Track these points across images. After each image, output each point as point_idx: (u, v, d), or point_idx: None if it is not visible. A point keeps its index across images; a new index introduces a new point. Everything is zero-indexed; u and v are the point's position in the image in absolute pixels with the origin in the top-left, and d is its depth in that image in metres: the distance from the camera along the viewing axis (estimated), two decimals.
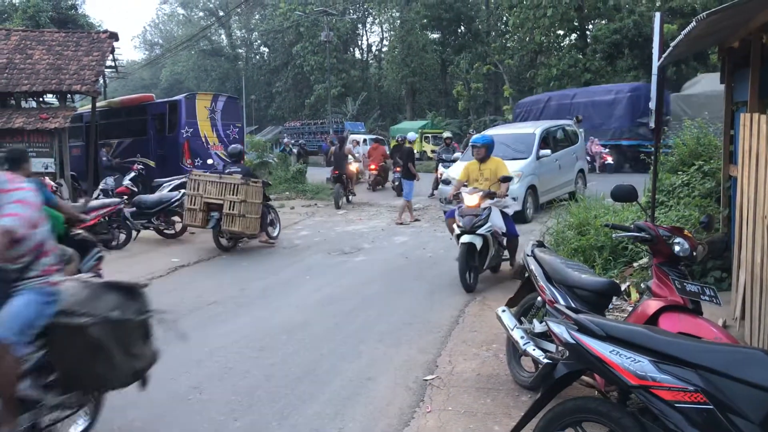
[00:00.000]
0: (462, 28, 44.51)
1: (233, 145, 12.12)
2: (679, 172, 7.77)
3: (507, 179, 7.58)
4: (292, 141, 30.10)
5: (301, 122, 44.26)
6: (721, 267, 6.08)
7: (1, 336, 3.12)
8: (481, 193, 7.40)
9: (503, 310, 4.43)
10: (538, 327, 4.19)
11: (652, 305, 3.49)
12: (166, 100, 18.39)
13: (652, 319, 3.42)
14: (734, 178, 5.59)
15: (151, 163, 16.59)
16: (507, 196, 7.73)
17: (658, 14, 5.92)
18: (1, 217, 3.12)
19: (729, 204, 6.19)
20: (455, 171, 11.28)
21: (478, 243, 7.10)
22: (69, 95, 16.06)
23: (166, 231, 11.23)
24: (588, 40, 33.10)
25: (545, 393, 2.84)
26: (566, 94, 25.73)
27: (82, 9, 33.22)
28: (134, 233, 10.64)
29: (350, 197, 16.62)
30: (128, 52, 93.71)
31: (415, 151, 15.87)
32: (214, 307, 6.89)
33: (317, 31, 45.44)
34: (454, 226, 7.43)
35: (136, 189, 13.39)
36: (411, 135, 16.67)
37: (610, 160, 21.50)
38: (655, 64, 5.57)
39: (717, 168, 6.97)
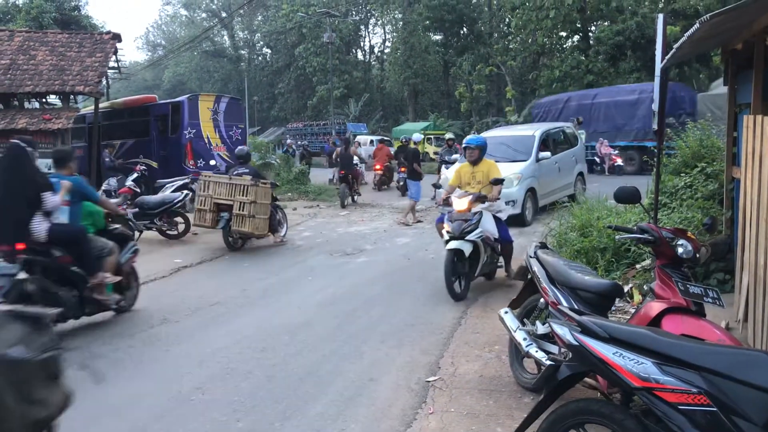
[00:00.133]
0: (464, 29, 44.51)
1: (240, 147, 12.17)
2: (682, 174, 7.76)
3: (499, 181, 7.30)
4: (296, 142, 30.07)
5: (304, 123, 44.33)
6: (724, 269, 6.08)
7: None
8: (470, 197, 7.09)
9: (506, 312, 4.42)
10: (540, 329, 4.18)
11: (655, 307, 3.48)
12: (168, 101, 18.42)
13: (655, 321, 3.41)
14: (737, 180, 5.58)
15: (154, 164, 16.62)
16: (499, 199, 7.46)
17: (661, 16, 5.89)
18: None
19: (732, 206, 6.18)
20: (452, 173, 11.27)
21: (467, 249, 6.79)
22: (72, 96, 16.12)
23: (168, 232, 11.24)
24: (591, 42, 33.08)
25: (548, 395, 2.84)
26: (587, 94, 25.35)
27: (85, 10, 33.34)
28: (137, 234, 10.65)
29: (356, 197, 16.81)
30: (131, 53, 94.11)
31: (419, 152, 15.95)
32: (217, 307, 6.90)
33: (320, 32, 45.49)
34: (443, 231, 7.12)
35: (138, 190, 13.40)
36: (416, 136, 16.71)
37: (619, 161, 21.37)
38: (658, 65, 5.55)
39: (720, 170, 6.96)
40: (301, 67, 50.94)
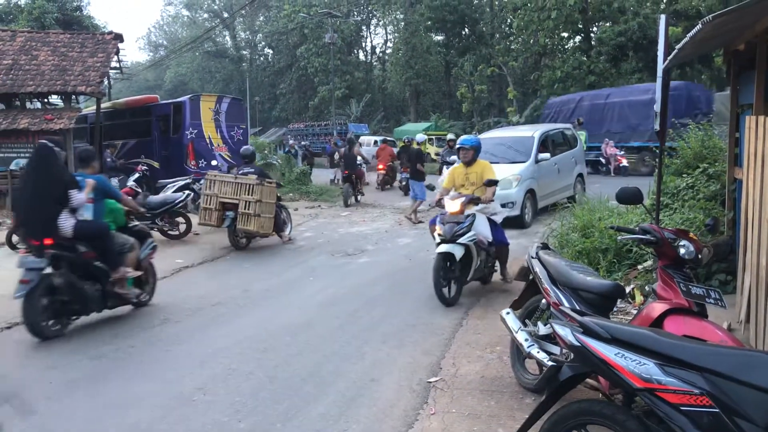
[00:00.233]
0: (466, 30, 44.53)
1: (246, 146, 12.23)
2: (684, 175, 7.75)
3: (493, 183, 7.08)
4: (298, 143, 30.04)
5: (305, 124, 44.34)
6: (725, 270, 6.07)
7: None
8: (463, 199, 6.86)
9: (507, 313, 4.42)
10: (542, 329, 4.19)
11: (657, 308, 3.48)
12: (170, 101, 18.44)
13: (657, 322, 3.41)
14: (739, 180, 5.58)
15: (156, 164, 16.64)
16: (493, 201, 7.21)
17: (663, 17, 5.89)
18: None
19: (734, 207, 6.17)
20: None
21: (458, 253, 6.56)
22: (74, 96, 16.15)
23: (170, 232, 11.25)
24: (592, 43, 33.07)
25: (550, 395, 2.83)
26: (600, 94, 25.03)
27: (87, 10, 33.38)
28: None
29: (359, 197, 16.94)
30: (133, 53, 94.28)
31: (423, 152, 16.01)
32: (218, 308, 6.90)
33: (321, 32, 45.55)
34: (435, 234, 6.92)
35: (140, 190, 13.41)
36: (420, 136, 16.75)
37: (625, 162, 21.20)
38: (660, 66, 5.55)
39: (722, 171, 6.96)
40: (303, 67, 50.98)
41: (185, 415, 4.17)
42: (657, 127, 5.84)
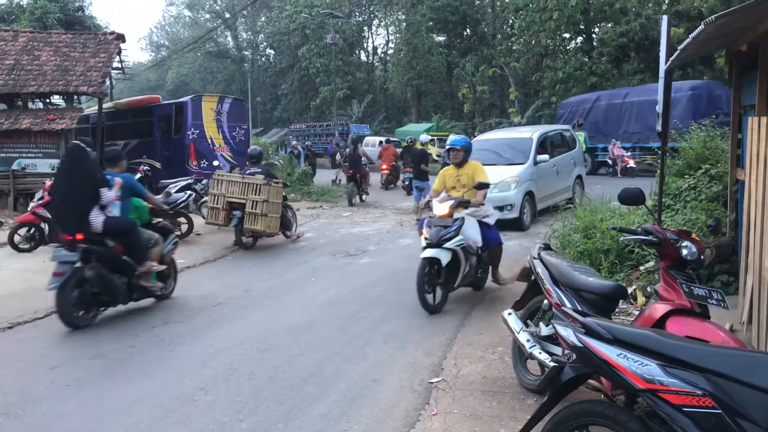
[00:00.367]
0: (468, 30, 44.49)
1: (253, 147, 12.33)
2: (686, 176, 7.74)
3: (484, 186, 6.76)
4: (301, 143, 29.96)
5: (307, 124, 44.35)
6: (728, 271, 6.06)
7: None
8: (452, 202, 6.59)
9: (509, 313, 4.41)
10: (544, 330, 4.18)
11: (660, 309, 3.48)
12: (172, 101, 18.44)
13: (660, 323, 3.40)
14: (741, 181, 5.57)
15: (157, 165, 16.64)
16: (483, 204, 6.89)
17: (665, 17, 5.88)
18: None
19: (736, 208, 6.17)
20: None
21: (444, 258, 6.27)
22: (76, 96, 16.17)
23: None
24: (594, 44, 33.04)
25: (552, 396, 2.83)
26: (617, 93, 24.47)
27: (89, 10, 33.41)
28: None
29: (364, 196, 17.06)
30: (135, 53, 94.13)
31: (428, 153, 16.12)
32: (219, 308, 6.90)
33: (323, 33, 45.58)
34: (422, 238, 6.65)
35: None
36: (423, 137, 16.80)
37: (632, 163, 21.00)
38: (662, 67, 5.54)
39: (724, 172, 6.95)
40: (305, 68, 51.02)
41: (186, 415, 4.17)
42: (659, 128, 5.83)
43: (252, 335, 5.86)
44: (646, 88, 23.55)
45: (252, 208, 9.75)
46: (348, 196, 16.56)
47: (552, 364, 3.62)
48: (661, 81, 5.60)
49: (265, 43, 64.63)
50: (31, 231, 10.17)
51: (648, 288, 5.62)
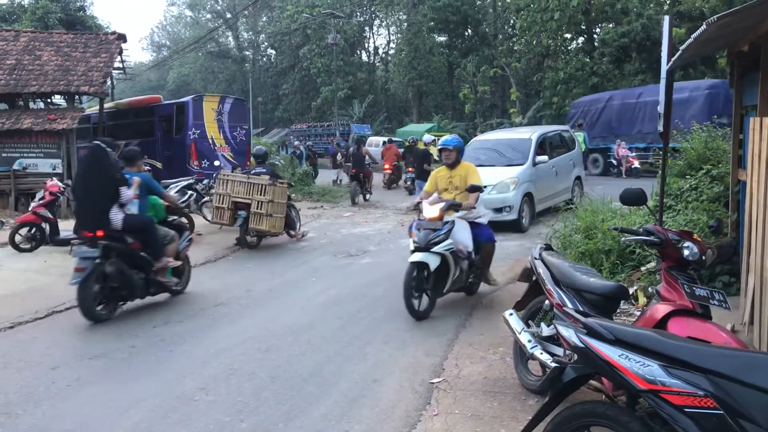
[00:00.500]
0: (469, 31, 44.49)
1: (258, 147, 12.39)
2: (687, 176, 7.73)
3: (476, 189, 6.53)
4: (304, 143, 29.90)
5: (308, 124, 44.33)
6: (729, 271, 6.06)
7: None
8: (443, 204, 6.36)
9: (510, 314, 4.40)
10: (545, 330, 4.17)
11: (661, 309, 3.47)
12: (173, 101, 18.45)
13: (661, 324, 3.40)
14: (743, 182, 5.56)
15: (158, 165, 16.64)
16: (475, 208, 6.66)
17: (666, 18, 5.87)
18: None
19: (737, 208, 6.16)
20: None
21: (433, 263, 6.05)
22: (77, 96, 16.17)
23: None
24: (595, 44, 33.03)
25: (553, 397, 2.82)
26: (631, 93, 24.00)
27: (91, 10, 33.40)
28: None
29: (367, 196, 17.17)
30: (136, 53, 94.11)
31: (430, 153, 16.13)
32: (220, 308, 6.90)
33: (324, 33, 45.53)
34: (410, 241, 6.43)
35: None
36: (426, 137, 16.83)
37: (636, 164, 20.85)
38: (664, 67, 5.53)
39: (725, 172, 6.94)
40: (306, 68, 51.01)
41: (187, 415, 4.17)
42: (660, 128, 5.82)
43: (253, 335, 5.86)
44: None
45: (257, 208, 9.84)
46: (351, 195, 16.69)
47: (553, 364, 3.62)
48: (663, 81, 5.60)
49: (266, 43, 64.62)
50: (32, 231, 10.17)
51: (649, 289, 5.61)
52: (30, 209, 10.43)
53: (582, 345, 2.61)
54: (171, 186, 12.53)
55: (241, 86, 58.87)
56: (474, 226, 6.58)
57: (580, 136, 18.20)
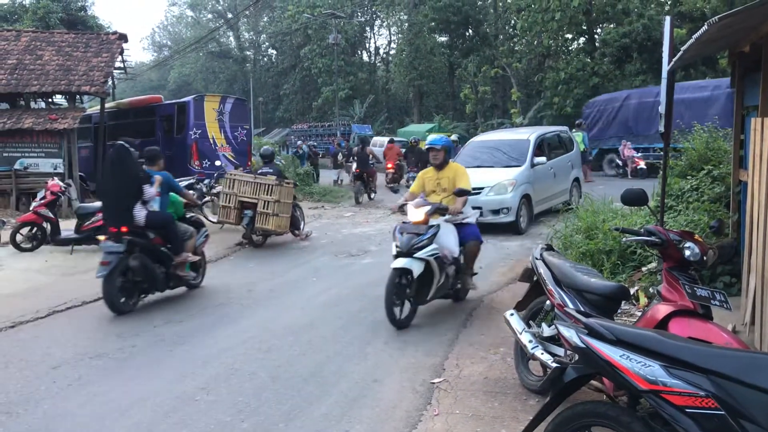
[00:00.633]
0: (470, 31, 44.44)
1: (265, 147, 12.51)
2: (689, 177, 7.72)
3: (464, 193, 6.25)
4: (307, 144, 29.82)
5: (309, 124, 44.32)
6: (730, 272, 6.05)
7: None
8: (428, 208, 6.05)
9: (511, 314, 4.40)
10: (546, 331, 4.17)
11: (662, 310, 3.47)
12: (174, 101, 18.46)
13: (662, 324, 3.40)
14: (744, 182, 5.56)
15: None
16: (462, 213, 6.39)
17: (667, 18, 5.86)
18: None
19: (738, 209, 6.15)
20: None
21: (416, 269, 5.74)
22: (78, 96, 16.19)
23: None
24: (596, 44, 32.97)
25: (554, 397, 2.82)
26: (649, 92, 22.96)
27: (92, 10, 33.44)
28: None
29: (372, 195, 17.28)
30: (137, 53, 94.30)
31: None
32: (221, 308, 6.91)
33: (325, 33, 45.52)
34: (393, 245, 6.14)
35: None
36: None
37: (642, 164, 20.48)
38: (665, 68, 5.53)
39: (726, 173, 6.93)
40: (307, 68, 50.99)
41: (188, 415, 4.17)
42: (662, 128, 5.81)
43: (254, 335, 5.86)
44: (682, 86, 21.60)
45: (263, 208, 9.97)
46: (355, 194, 16.82)
47: (554, 364, 3.62)
48: (664, 82, 5.60)
49: (267, 44, 64.58)
50: (33, 230, 10.18)
51: (650, 289, 5.60)
52: (31, 209, 10.44)
53: (583, 345, 2.61)
54: None
55: (242, 86, 58.85)
56: (460, 226, 6.36)
57: (578, 137, 18.06)
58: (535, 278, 4.63)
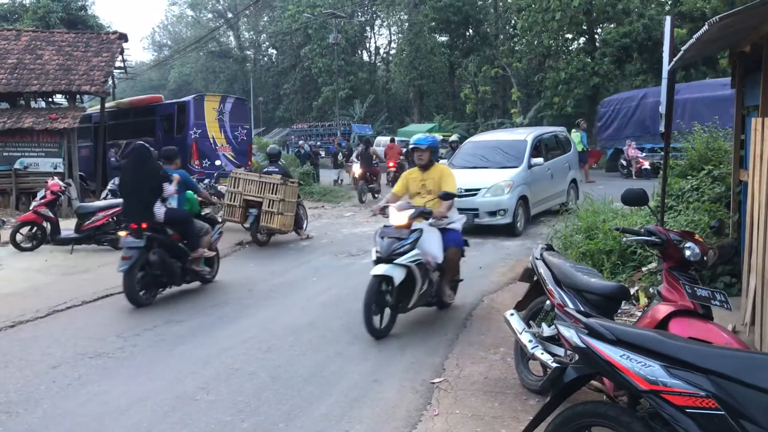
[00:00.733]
0: (470, 31, 44.42)
1: (272, 146, 12.56)
2: (689, 177, 7.72)
3: (449, 196, 5.96)
4: (308, 143, 29.73)
5: (309, 124, 44.34)
6: (730, 272, 6.05)
7: None
8: (412, 211, 5.74)
9: (511, 314, 4.40)
10: (546, 331, 4.17)
11: (662, 310, 3.47)
12: (174, 101, 18.45)
13: (662, 324, 3.40)
14: (744, 183, 5.55)
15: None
16: (447, 217, 6.08)
17: (668, 18, 5.86)
18: None
19: (739, 209, 6.15)
20: None
21: (397, 276, 5.44)
22: (78, 96, 16.20)
23: None
24: (597, 44, 32.96)
25: (554, 397, 2.82)
26: None
27: (92, 10, 33.44)
28: None
29: (376, 194, 17.41)
30: (137, 53, 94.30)
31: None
32: (221, 307, 6.91)
33: (325, 33, 45.52)
34: (373, 250, 5.84)
35: None
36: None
37: (646, 165, 20.26)
38: (666, 68, 5.53)
39: (727, 173, 6.93)
40: (307, 67, 50.98)
41: (188, 415, 4.17)
42: (662, 128, 5.81)
43: (254, 335, 5.86)
44: (700, 84, 21.37)
45: (268, 207, 10.06)
46: (359, 193, 16.98)
47: (554, 364, 3.62)
48: (664, 82, 5.59)
49: (267, 43, 64.57)
50: (33, 230, 10.18)
51: (651, 289, 5.60)
52: (31, 208, 10.44)
53: (583, 345, 2.61)
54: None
55: (242, 86, 58.88)
56: (443, 231, 6.05)
57: (577, 137, 17.95)
58: (535, 278, 4.63)
